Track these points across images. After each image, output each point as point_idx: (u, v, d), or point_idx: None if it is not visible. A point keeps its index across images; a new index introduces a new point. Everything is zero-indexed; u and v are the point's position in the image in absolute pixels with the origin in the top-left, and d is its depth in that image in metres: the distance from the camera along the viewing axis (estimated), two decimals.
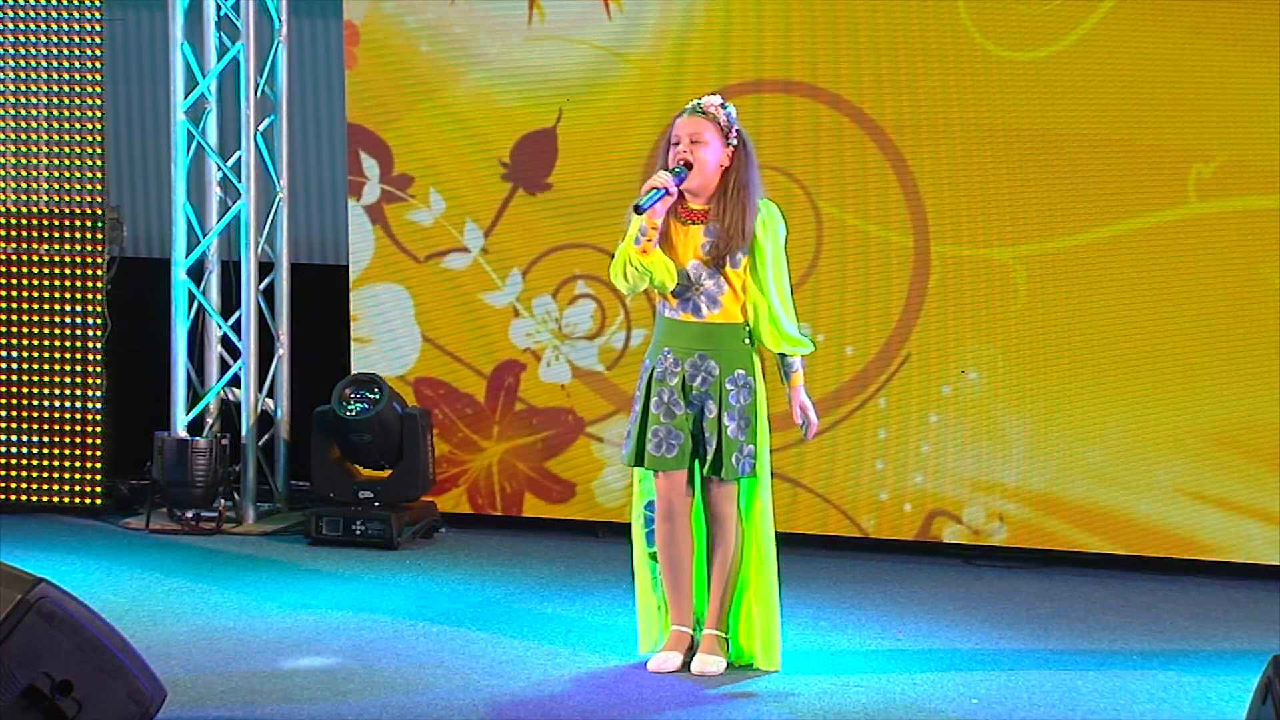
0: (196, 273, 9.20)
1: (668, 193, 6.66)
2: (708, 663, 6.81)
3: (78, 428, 9.24)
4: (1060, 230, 8.54)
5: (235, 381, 9.22)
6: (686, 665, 6.83)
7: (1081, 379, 8.55)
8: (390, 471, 8.87)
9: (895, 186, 8.69)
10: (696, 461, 6.83)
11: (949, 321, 8.69)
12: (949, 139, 8.59)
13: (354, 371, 9.05)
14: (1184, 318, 8.43)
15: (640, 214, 6.64)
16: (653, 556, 6.93)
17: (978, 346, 8.66)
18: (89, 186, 9.22)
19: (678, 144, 6.73)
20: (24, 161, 9.26)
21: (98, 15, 9.16)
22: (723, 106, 6.78)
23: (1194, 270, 8.39)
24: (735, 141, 6.76)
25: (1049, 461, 8.57)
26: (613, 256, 6.81)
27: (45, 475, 9.28)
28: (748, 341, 6.79)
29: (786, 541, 8.36)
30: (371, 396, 8.78)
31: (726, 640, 6.87)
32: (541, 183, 9.02)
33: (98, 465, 9.26)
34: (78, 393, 9.23)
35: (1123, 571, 8.37)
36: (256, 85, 9.12)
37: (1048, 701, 6.61)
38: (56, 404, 9.24)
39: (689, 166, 6.71)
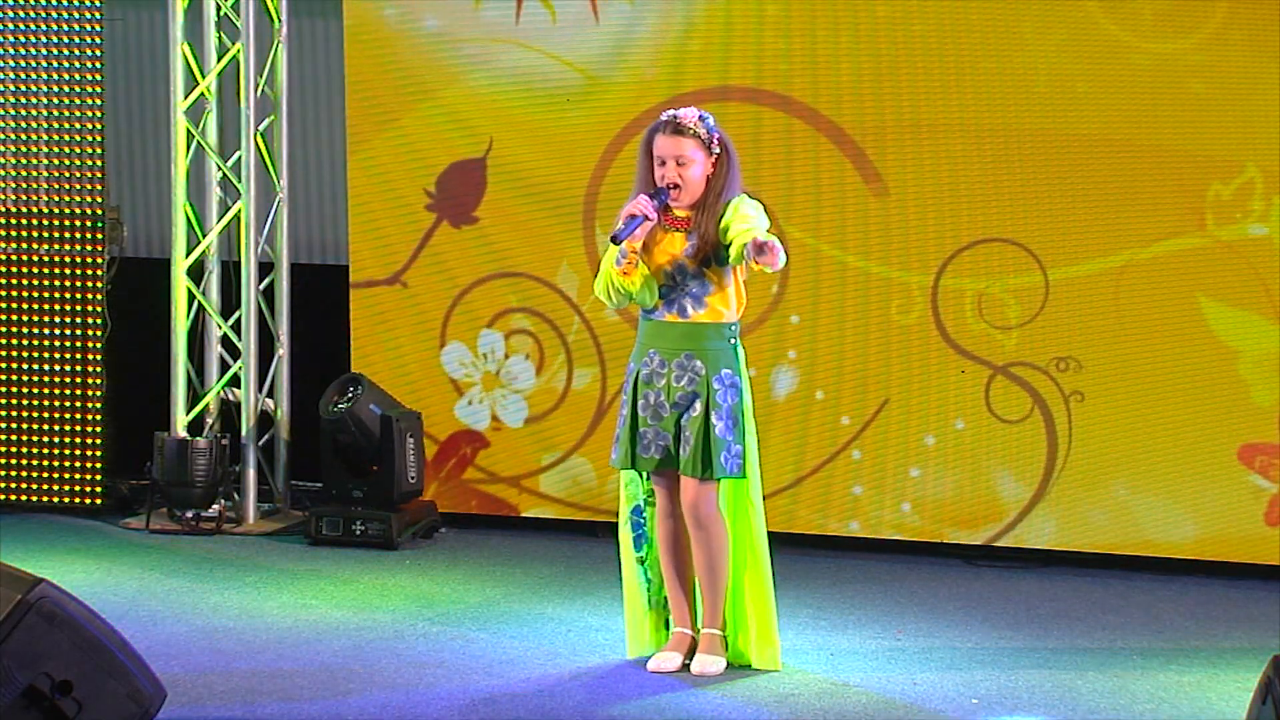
0: (196, 273, 9.20)
1: (647, 219, 6.65)
2: (707, 663, 6.81)
3: (78, 428, 9.24)
4: (1057, 260, 8.20)
5: (235, 381, 9.22)
6: (686, 665, 6.84)
7: (1083, 429, 8.27)
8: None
9: (872, 209, 8.38)
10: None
11: (934, 363, 8.39)
12: (934, 152, 8.26)
13: (353, 371, 9.07)
14: (1197, 357, 8.07)
15: (618, 244, 6.64)
16: (640, 561, 6.94)
17: (966, 392, 8.38)
18: (89, 186, 9.22)
19: (663, 164, 6.72)
20: (24, 161, 9.26)
21: (98, 15, 9.16)
22: (701, 119, 6.75)
23: (1198, 305, 8.05)
24: (718, 150, 6.76)
25: (1047, 523, 8.35)
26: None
27: (45, 475, 9.28)
28: (732, 341, 6.78)
29: (787, 541, 8.38)
30: (349, 395, 8.77)
31: (726, 640, 6.87)
32: (468, 215, 8.97)
33: (98, 465, 9.26)
34: (78, 393, 9.23)
35: (1123, 571, 8.36)
36: (256, 85, 9.12)
37: (1048, 701, 6.60)
38: (56, 404, 9.24)
39: (675, 187, 6.69)
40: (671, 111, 6.77)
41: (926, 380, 8.45)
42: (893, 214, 8.39)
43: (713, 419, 6.71)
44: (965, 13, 8.25)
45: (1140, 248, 8.17)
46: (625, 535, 6.97)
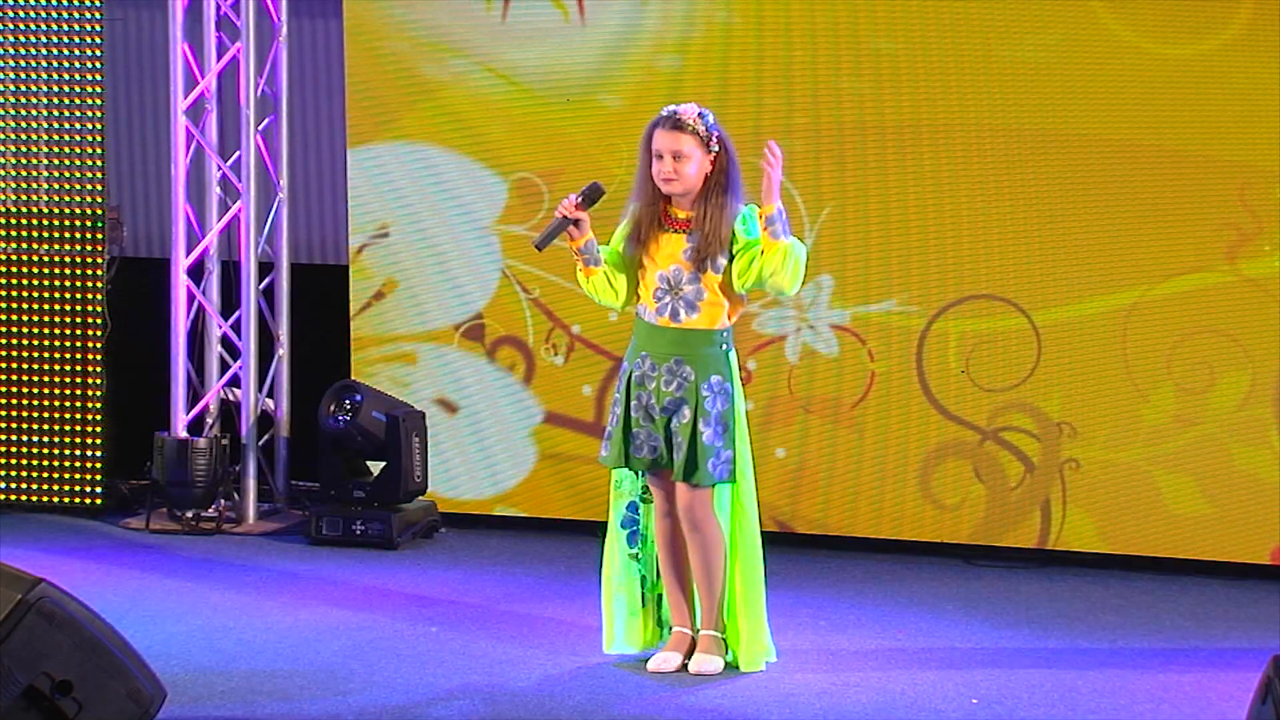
0: (196, 273, 9.20)
1: (565, 219, 6.68)
2: (706, 663, 6.81)
3: (78, 428, 9.24)
4: (1057, 299, 7.88)
5: (235, 381, 9.22)
6: (685, 666, 6.84)
7: (1082, 488, 8.06)
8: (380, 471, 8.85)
9: (874, 226, 8.22)
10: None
11: (915, 413, 8.22)
12: (934, 155, 8.13)
13: (353, 373, 9.07)
14: (1219, 419, 7.71)
15: (539, 250, 6.70)
16: (634, 558, 6.94)
17: (952, 455, 8.24)
18: (89, 186, 9.22)
19: (660, 159, 6.72)
20: (24, 161, 9.26)
21: (98, 15, 9.16)
22: (700, 116, 6.74)
23: (1219, 354, 7.65)
24: (716, 148, 6.75)
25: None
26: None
27: (45, 475, 9.27)
28: (725, 347, 6.78)
29: (786, 541, 8.38)
30: (348, 406, 8.75)
31: (724, 641, 6.87)
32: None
33: (98, 465, 9.26)
34: (78, 393, 9.22)
35: (1123, 571, 8.36)
36: (256, 85, 9.12)
37: (1048, 701, 6.61)
38: (56, 404, 9.24)
39: (593, 196, 6.70)
40: (672, 107, 6.77)
41: (886, 434, 8.28)
42: (894, 244, 8.22)
43: (700, 426, 6.71)
44: (966, 13, 8.17)
45: (1151, 285, 7.78)
46: (617, 532, 6.96)
